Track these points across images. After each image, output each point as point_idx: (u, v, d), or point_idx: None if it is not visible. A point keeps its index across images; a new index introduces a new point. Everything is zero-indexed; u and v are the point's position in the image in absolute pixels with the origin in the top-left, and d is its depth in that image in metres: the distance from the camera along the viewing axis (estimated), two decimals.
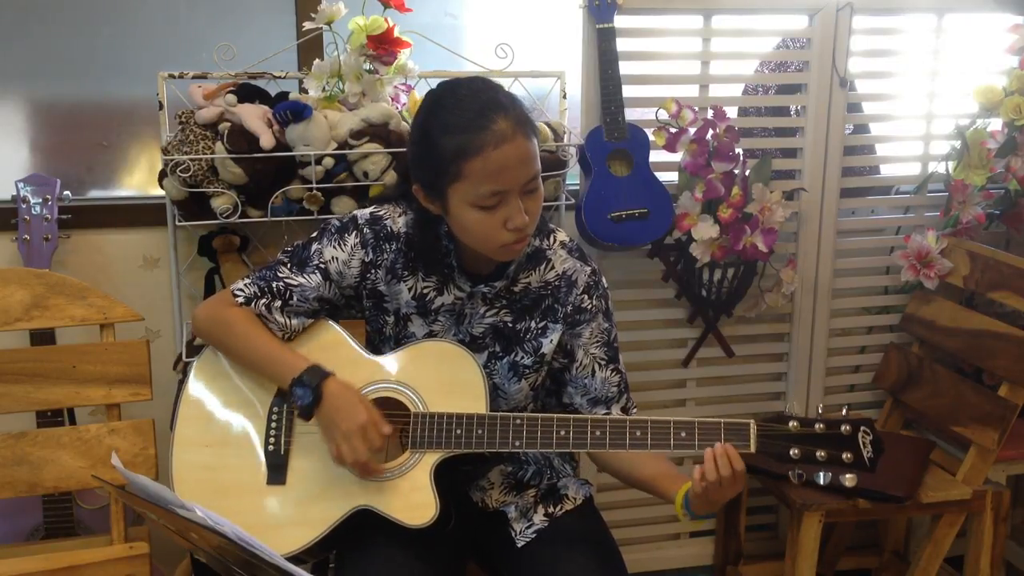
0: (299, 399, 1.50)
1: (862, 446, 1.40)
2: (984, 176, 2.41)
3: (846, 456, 1.40)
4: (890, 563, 2.62)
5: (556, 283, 1.63)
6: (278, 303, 1.59)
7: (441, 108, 1.45)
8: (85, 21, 2.30)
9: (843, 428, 1.41)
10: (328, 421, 1.50)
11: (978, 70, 2.47)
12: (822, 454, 1.40)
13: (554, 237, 1.65)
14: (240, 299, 1.59)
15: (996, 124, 2.46)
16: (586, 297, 1.63)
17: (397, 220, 1.61)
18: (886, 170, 2.60)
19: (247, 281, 1.61)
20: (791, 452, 1.41)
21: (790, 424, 1.42)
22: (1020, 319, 2.29)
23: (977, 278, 2.33)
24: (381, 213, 1.62)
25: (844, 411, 1.44)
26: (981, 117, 2.44)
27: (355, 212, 1.64)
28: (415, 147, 1.51)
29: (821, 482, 1.41)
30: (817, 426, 1.41)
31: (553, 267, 1.63)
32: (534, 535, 1.64)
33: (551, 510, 1.67)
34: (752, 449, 1.43)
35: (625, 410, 1.68)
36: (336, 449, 1.49)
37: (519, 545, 1.64)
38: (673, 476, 1.57)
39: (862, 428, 1.41)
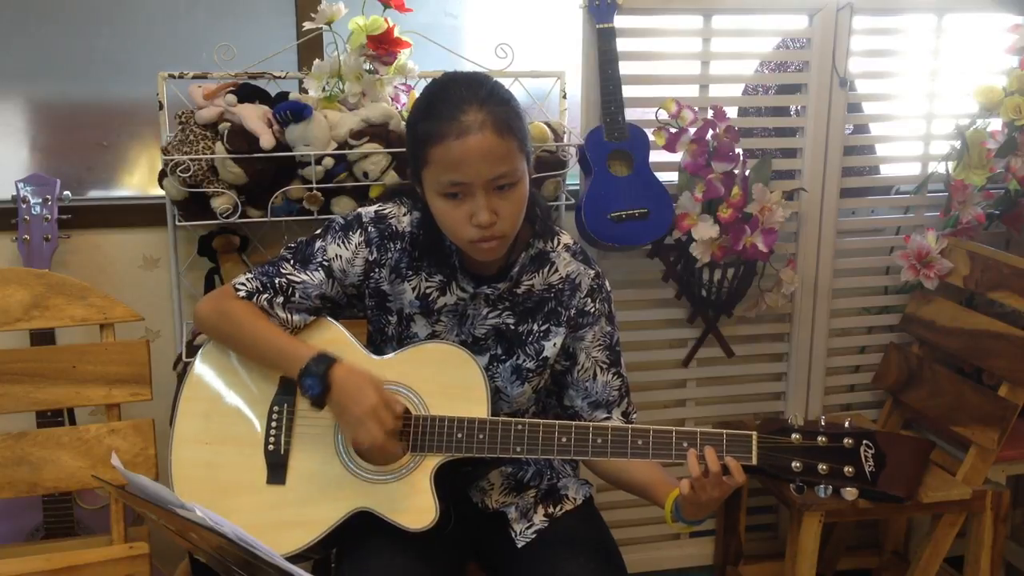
0: (308, 390, 1.49)
1: (864, 460, 1.40)
2: (984, 176, 2.41)
3: (848, 470, 1.39)
4: (890, 563, 2.62)
5: (559, 286, 1.63)
6: (280, 299, 1.58)
7: (431, 94, 1.48)
8: (85, 21, 2.30)
9: (845, 441, 1.40)
10: (340, 408, 1.49)
11: (978, 70, 2.47)
12: (824, 468, 1.40)
13: (558, 240, 1.65)
14: (242, 293, 1.58)
15: (996, 124, 2.45)
16: (589, 300, 1.63)
17: (402, 219, 1.61)
18: (886, 170, 2.59)
19: (249, 276, 1.61)
20: (793, 465, 1.40)
21: (792, 436, 1.41)
22: (1020, 319, 2.29)
23: (977, 278, 2.33)
24: (386, 212, 1.62)
25: (847, 423, 1.43)
26: (981, 117, 2.44)
27: (360, 210, 1.64)
28: (406, 131, 1.55)
29: (822, 495, 1.40)
30: (819, 439, 1.41)
31: (557, 270, 1.63)
32: (534, 535, 1.64)
33: (551, 510, 1.67)
34: (754, 461, 1.42)
35: (626, 415, 1.68)
36: (352, 435, 1.48)
37: (519, 546, 1.64)
38: (664, 482, 1.56)
39: (864, 442, 1.41)
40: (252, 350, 1.59)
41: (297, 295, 1.59)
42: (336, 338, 1.61)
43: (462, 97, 1.43)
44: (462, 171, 1.43)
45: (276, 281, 1.58)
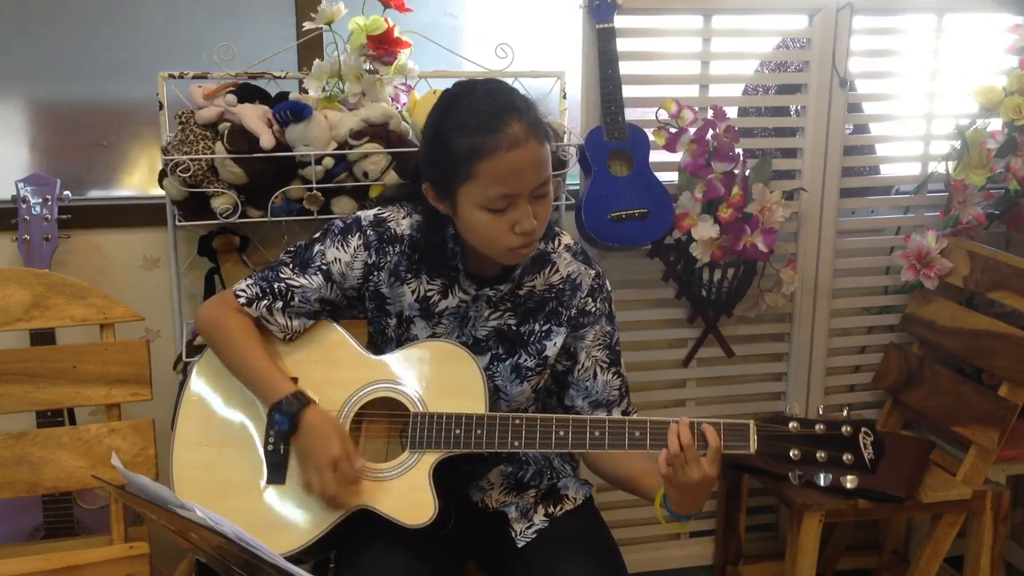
0: (277, 425, 1.52)
1: (863, 447, 1.40)
2: (984, 176, 2.41)
3: (847, 457, 1.40)
4: (890, 563, 2.62)
5: (560, 286, 1.63)
6: (279, 304, 1.59)
7: (456, 107, 1.45)
8: (85, 21, 2.30)
9: (844, 429, 1.41)
10: (302, 451, 1.52)
11: (978, 70, 2.47)
12: (822, 455, 1.40)
13: (559, 240, 1.65)
14: (242, 300, 1.59)
15: (996, 124, 2.45)
16: (590, 300, 1.63)
17: (401, 222, 1.61)
18: (886, 170, 2.59)
19: (249, 282, 1.61)
20: (791, 453, 1.41)
21: (790, 425, 1.42)
22: (1020, 319, 2.29)
23: (977, 278, 2.33)
24: (385, 215, 1.62)
25: (845, 412, 1.44)
26: (981, 117, 2.44)
27: (359, 213, 1.63)
28: (427, 144, 1.50)
29: (822, 483, 1.40)
30: (818, 427, 1.41)
31: (558, 270, 1.63)
32: (534, 535, 1.64)
33: (551, 510, 1.67)
34: (752, 450, 1.42)
35: (626, 414, 1.68)
36: (307, 479, 1.50)
37: (519, 545, 1.64)
38: (657, 477, 1.56)
39: (863, 429, 1.41)
40: (236, 370, 1.59)
41: (296, 299, 1.59)
42: (336, 340, 1.61)
43: (500, 107, 1.41)
44: (513, 183, 1.42)
45: (275, 286, 1.59)
